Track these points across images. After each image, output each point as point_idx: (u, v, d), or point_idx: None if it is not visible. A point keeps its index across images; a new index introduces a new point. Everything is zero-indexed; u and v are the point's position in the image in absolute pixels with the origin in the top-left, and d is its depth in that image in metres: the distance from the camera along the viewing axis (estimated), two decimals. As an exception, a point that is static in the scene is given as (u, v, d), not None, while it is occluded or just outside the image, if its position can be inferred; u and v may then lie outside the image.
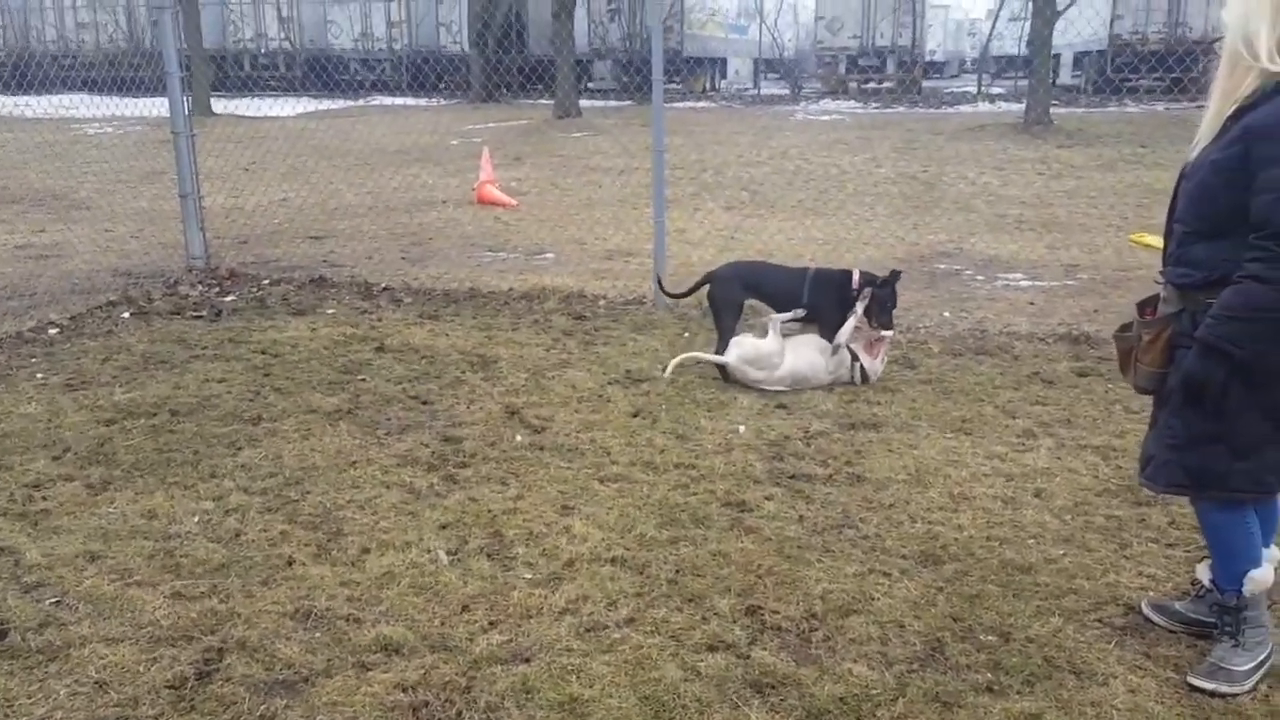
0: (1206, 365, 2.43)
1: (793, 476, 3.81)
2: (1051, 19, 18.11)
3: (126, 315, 6.24)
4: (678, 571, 3.08)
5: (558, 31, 22.71)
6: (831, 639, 2.71)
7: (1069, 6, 18.59)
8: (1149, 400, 2.78)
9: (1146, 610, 2.86)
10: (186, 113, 6.96)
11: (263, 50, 32.97)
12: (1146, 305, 2.73)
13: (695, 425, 4.39)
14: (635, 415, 4.52)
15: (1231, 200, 2.41)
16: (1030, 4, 18.19)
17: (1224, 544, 2.63)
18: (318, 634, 2.82)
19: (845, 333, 4.86)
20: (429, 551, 3.26)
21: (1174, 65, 22.87)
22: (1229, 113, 2.44)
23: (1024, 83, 29.99)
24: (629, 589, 2.99)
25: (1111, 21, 24.93)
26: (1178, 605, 2.84)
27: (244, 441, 4.22)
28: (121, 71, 27.62)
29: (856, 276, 4.95)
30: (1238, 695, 2.52)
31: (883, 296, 4.87)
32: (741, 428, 4.33)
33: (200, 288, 6.89)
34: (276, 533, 3.40)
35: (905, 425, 4.31)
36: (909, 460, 3.93)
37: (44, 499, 3.69)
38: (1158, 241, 2.85)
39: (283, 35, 32.95)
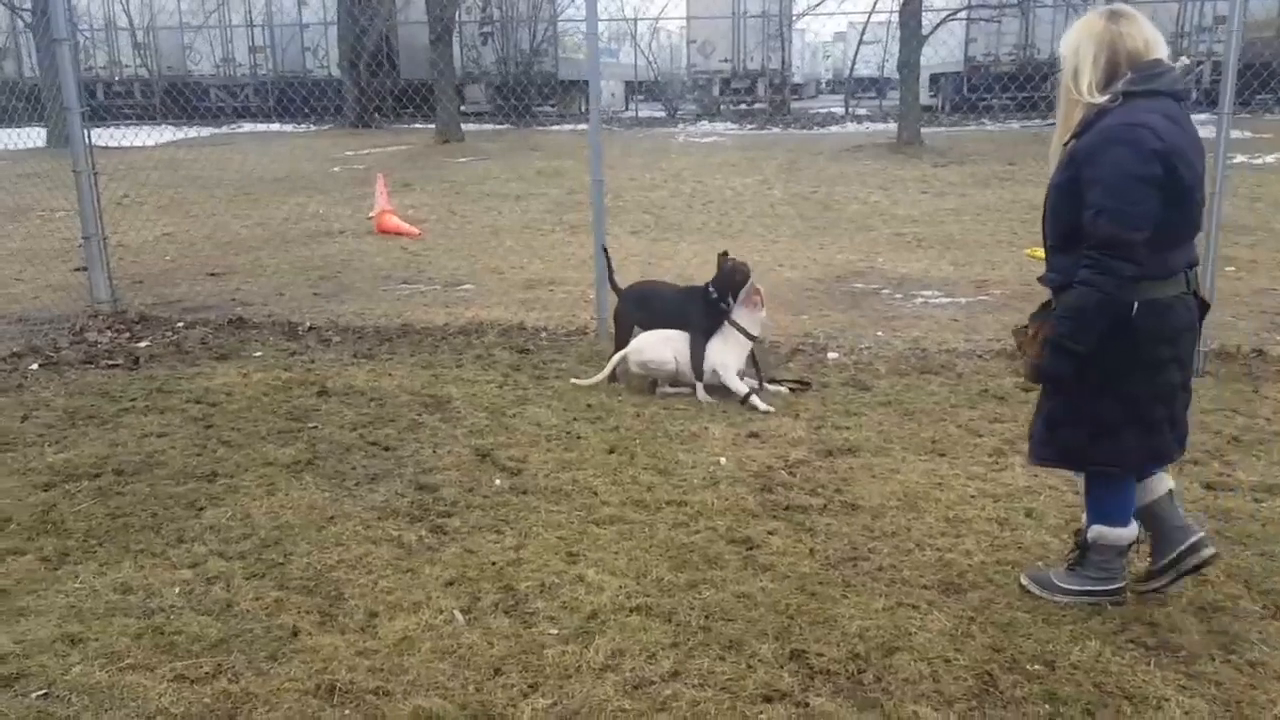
0: (1056, 360, 2.86)
1: (787, 508, 3.82)
2: (919, 44, 18.94)
3: (35, 367, 5.81)
4: (707, 617, 3.04)
5: (437, 55, 22.41)
6: (883, 679, 2.71)
7: (933, 31, 19.47)
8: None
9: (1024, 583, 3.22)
10: (88, 149, 6.53)
11: (117, 78, 31.41)
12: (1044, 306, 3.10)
13: (674, 459, 4.35)
14: (611, 452, 4.46)
15: (1073, 217, 2.81)
16: (899, 29, 18.90)
17: (1096, 504, 3.07)
18: (347, 711, 2.66)
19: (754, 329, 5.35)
20: (442, 611, 3.12)
21: (1025, 85, 24.29)
22: (1066, 140, 2.85)
23: (879, 103, 31.34)
24: (663, 639, 2.93)
25: (966, 44, 26.23)
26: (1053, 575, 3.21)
27: (205, 501, 3.97)
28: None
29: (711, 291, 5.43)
30: (1045, 600, 3.09)
31: (725, 271, 5.42)
32: (722, 459, 4.32)
33: (109, 334, 6.47)
34: (271, 600, 3.20)
35: (880, 449, 4.39)
36: (895, 485, 3.99)
37: (-4, 578, 3.38)
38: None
39: (138, 62, 31.48)
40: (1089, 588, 3.07)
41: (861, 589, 3.18)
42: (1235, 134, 18.24)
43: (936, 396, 5.08)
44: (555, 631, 3.00)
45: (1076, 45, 2.82)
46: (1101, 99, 2.77)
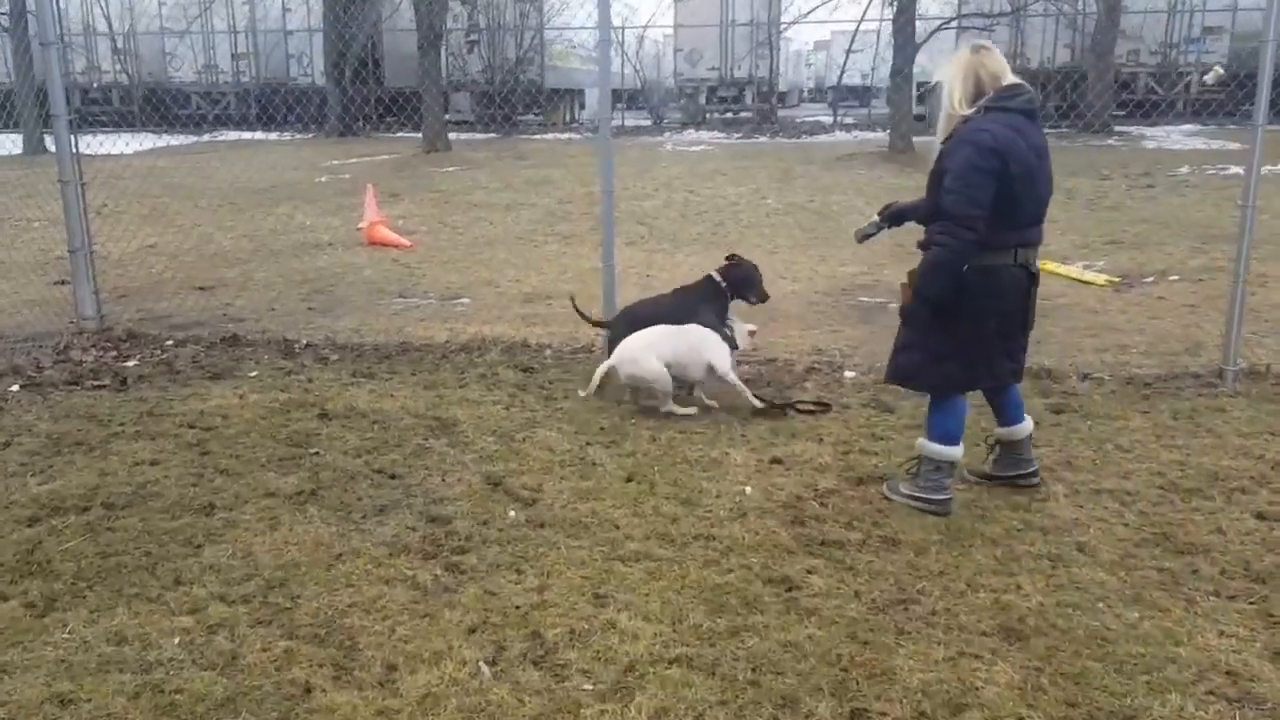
0: (915, 303, 3.77)
1: (823, 543, 3.61)
2: (911, 52, 18.85)
3: (16, 388, 5.54)
4: (754, 669, 2.82)
5: (425, 64, 22.17)
6: (953, 738, 2.51)
7: (927, 39, 19.40)
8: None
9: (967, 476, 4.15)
10: (75, 157, 6.26)
11: (95, 84, 30.96)
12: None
13: (697, 488, 4.14)
14: (630, 480, 4.24)
15: (939, 199, 3.66)
16: (892, 37, 18.82)
17: (934, 419, 3.90)
18: (371, 780, 2.43)
19: (741, 341, 5.40)
20: (466, 663, 2.89)
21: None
22: (943, 142, 3.70)
23: (868, 112, 31.30)
24: (709, 696, 2.71)
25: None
26: (985, 466, 4.17)
27: (202, 537, 3.72)
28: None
29: (716, 277, 5.55)
30: (892, 501, 3.92)
31: (741, 275, 5.52)
32: (747, 488, 4.11)
33: (95, 352, 6.19)
34: (280, 652, 2.96)
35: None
36: (934, 518, 3.79)
37: (-23, 628, 3.12)
38: (1060, 268, 4.12)
39: (118, 68, 31.05)
40: (919, 494, 3.86)
41: (918, 636, 2.97)
42: (1233, 145, 18.26)
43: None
44: (590, 687, 2.78)
45: (949, 71, 3.68)
46: (968, 111, 3.62)
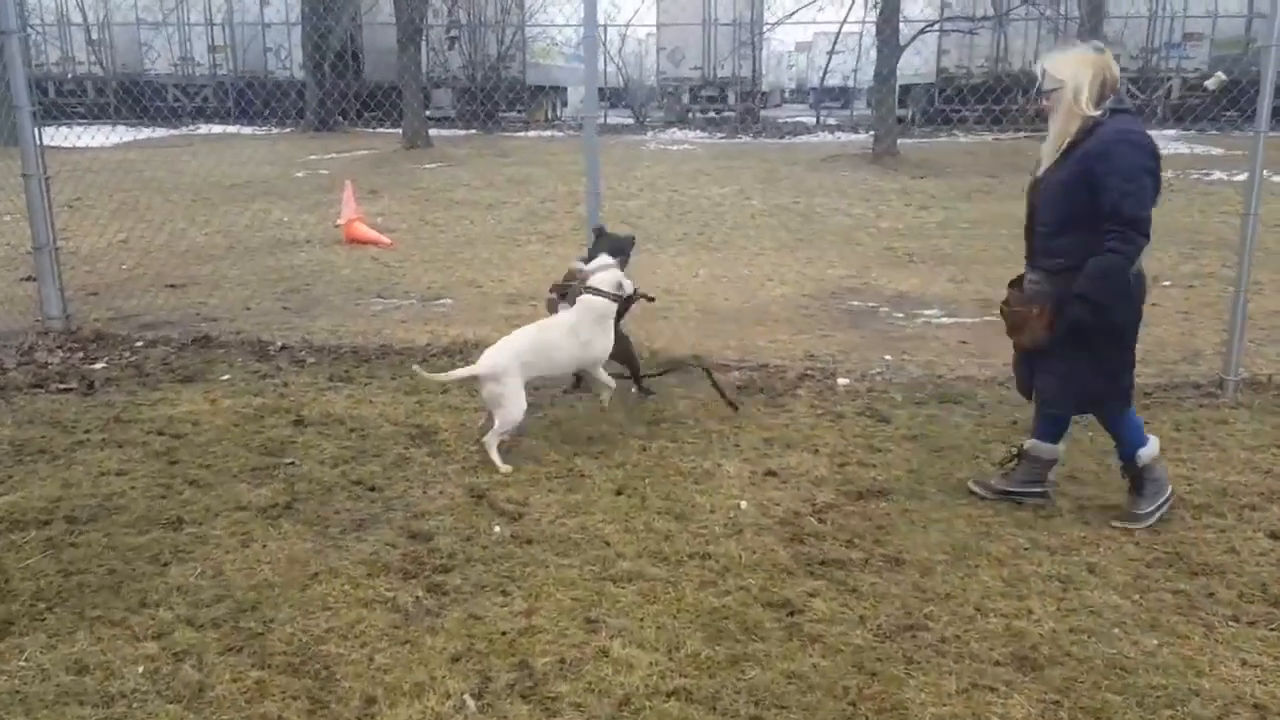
0: (1082, 313, 3.46)
1: (824, 563, 3.46)
2: (894, 53, 18.77)
3: (-24, 392, 5.31)
4: (757, 703, 2.66)
5: (405, 59, 21.88)
6: (971, 780, 2.36)
7: (911, 41, 19.33)
8: None
9: (973, 487, 4.01)
10: (39, 150, 6.02)
11: (69, 75, 30.43)
12: (1014, 284, 3.92)
13: (689, 502, 3.98)
14: (619, 493, 4.08)
15: (1078, 207, 3.48)
16: (876, 39, 18.73)
17: (1129, 435, 3.76)
18: (348, 827, 2.25)
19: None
20: (451, 696, 2.72)
21: (998, 97, 24.30)
22: (1064, 146, 3.52)
23: (850, 113, 31.28)
24: (710, 730, 2.55)
25: (939, 56, 26.20)
26: (993, 481, 4.00)
27: (170, 554, 3.52)
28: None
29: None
30: (1138, 529, 3.67)
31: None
32: (743, 503, 3.95)
33: (61, 354, 5.96)
34: (251, 683, 2.77)
35: (914, 492, 4.04)
36: (938, 535, 3.65)
37: (-74, 654, 2.92)
38: None
39: (92, 59, 30.53)
40: (1160, 502, 3.74)
41: (928, 666, 2.82)
42: (1216, 151, 18.30)
43: (963, 430, 4.75)
44: (583, 722, 2.61)
45: (1076, 70, 3.49)
46: (1095, 113, 3.48)
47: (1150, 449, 3.75)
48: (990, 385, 5.45)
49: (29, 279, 8.14)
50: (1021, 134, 23.32)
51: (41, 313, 6.38)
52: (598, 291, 4.76)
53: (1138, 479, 3.76)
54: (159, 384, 5.49)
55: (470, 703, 2.69)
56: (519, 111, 31.18)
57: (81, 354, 5.99)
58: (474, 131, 26.84)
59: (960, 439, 4.64)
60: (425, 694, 2.72)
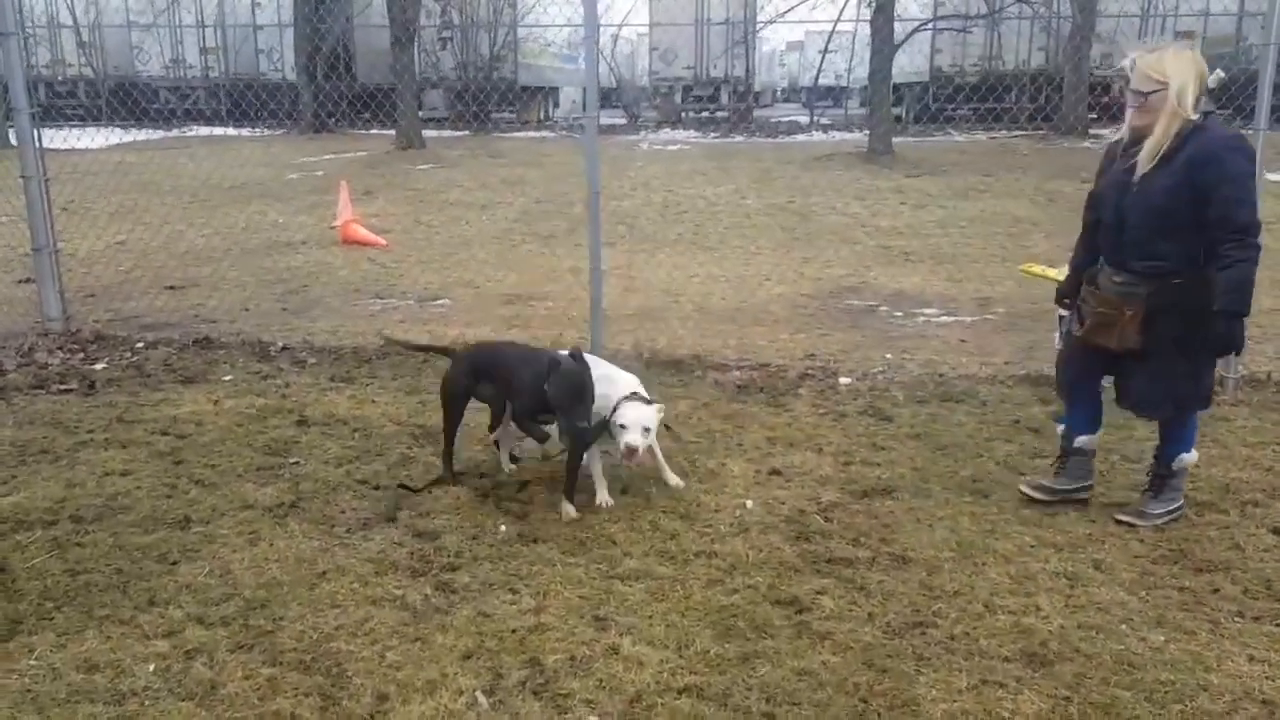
0: (1233, 326, 3.43)
1: (831, 561, 3.47)
2: (890, 53, 18.82)
3: (-24, 393, 5.29)
4: (768, 700, 2.67)
5: (397, 60, 21.86)
6: (983, 773, 2.38)
7: (906, 39, 19.38)
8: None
9: (1026, 490, 3.95)
10: (38, 152, 6.01)
11: (60, 77, 30.33)
12: (1066, 294, 3.94)
13: (694, 501, 3.99)
14: (624, 492, 4.08)
15: (1185, 212, 3.42)
16: (871, 37, 18.77)
17: (1184, 439, 3.77)
18: (365, 823, 2.26)
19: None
20: (463, 693, 2.72)
21: (989, 96, 24.37)
22: (1164, 149, 3.43)
23: (844, 112, 31.33)
24: (723, 727, 2.56)
25: (932, 55, 26.28)
26: (1051, 483, 3.95)
27: (178, 553, 3.52)
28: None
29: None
30: (1144, 526, 3.69)
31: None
32: (748, 502, 3.96)
33: (61, 354, 5.94)
34: (262, 680, 2.78)
35: (918, 490, 4.06)
36: (944, 533, 3.67)
37: (-65, 654, 2.91)
38: (1049, 271, 4.15)
39: (83, 61, 30.43)
40: (1175, 505, 3.77)
41: (937, 663, 2.83)
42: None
43: (966, 428, 4.77)
44: (595, 719, 2.62)
45: (1181, 71, 3.40)
46: (1195, 116, 3.43)
47: (1191, 457, 3.77)
48: (992, 383, 5.47)
49: (27, 281, 8.13)
50: (1015, 133, 23.51)
51: (41, 314, 6.36)
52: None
53: (1161, 480, 3.77)
54: (161, 385, 5.49)
55: (482, 699, 2.70)
56: (511, 112, 31.19)
57: (82, 355, 5.97)
58: (467, 132, 26.84)
59: (963, 437, 4.66)
60: (437, 691, 2.72)
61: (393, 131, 22.24)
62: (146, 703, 2.67)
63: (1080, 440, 3.92)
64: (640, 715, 2.62)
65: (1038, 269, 8.64)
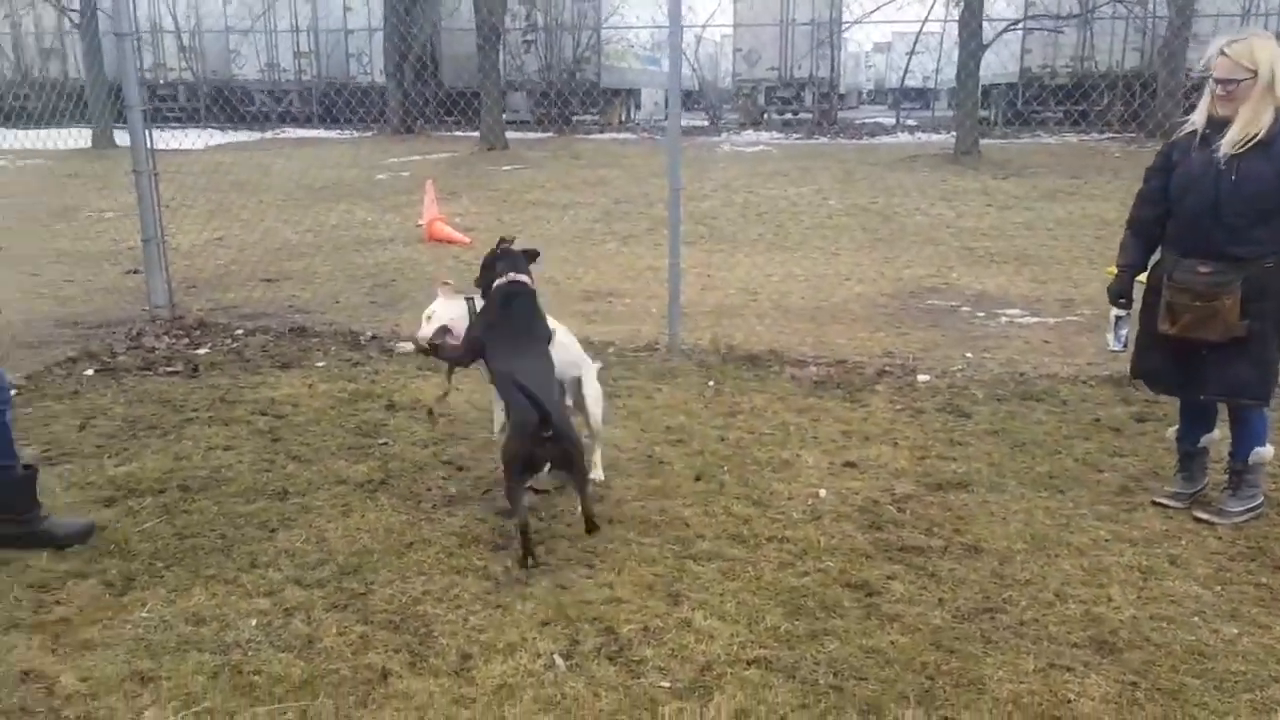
0: None
1: (902, 549, 3.52)
2: (977, 52, 18.54)
3: (90, 372, 5.63)
4: (836, 674, 2.75)
5: (483, 63, 22.28)
6: (1048, 751, 2.41)
7: (995, 40, 19.08)
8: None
9: (1163, 501, 3.87)
10: (149, 149, 6.36)
11: (162, 80, 31.59)
12: (1122, 294, 3.94)
13: (768, 489, 4.07)
14: (698, 479, 4.18)
15: (1277, 199, 3.48)
16: (958, 38, 18.53)
17: (1259, 433, 3.76)
18: (449, 770, 2.40)
19: None
20: (541, 655, 2.86)
21: (1080, 98, 23.79)
22: (1259, 136, 3.44)
23: (931, 113, 30.90)
24: (790, 699, 2.64)
25: (1022, 56, 25.75)
26: (1180, 489, 3.92)
27: (277, 521, 3.73)
28: (8, 103, 26.12)
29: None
30: (1224, 524, 3.67)
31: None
32: (821, 491, 4.03)
33: (168, 339, 6.28)
34: (356, 636, 2.95)
35: (994, 485, 4.07)
36: (1018, 526, 3.68)
37: (58, 604, 3.15)
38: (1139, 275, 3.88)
39: (184, 65, 31.66)
40: (1256, 501, 3.77)
41: (1005, 646, 2.87)
42: None
43: (1045, 426, 4.75)
44: (667, 684, 2.73)
45: (1272, 58, 3.43)
46: None
47: (1267, 452, 3.75)
48: (1074, 383, 5.42)
49: (134, 271, 8.57)
50: (1106, 136, 22.93)
51: (149, 302, 6.72)
52: None
53: (1239, 477, 3.77)
54: (259, 369, 5.76)
55: (560, 662, 2.82)
56: (593, 114, 31.50)
57: (186, 340, 6.30)
58: (549, 134, 27.21)
59: (1042, 434, 4.64)
60: (517, 652, 2.86)
61: (476, 133, 22.66)
62: (250, 653, 2.86)
63: (1205, 439, 3.92)
64: (710, 683, 2.72)
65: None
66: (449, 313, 3.98)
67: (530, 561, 3.38)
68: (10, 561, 3.41)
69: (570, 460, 3.44)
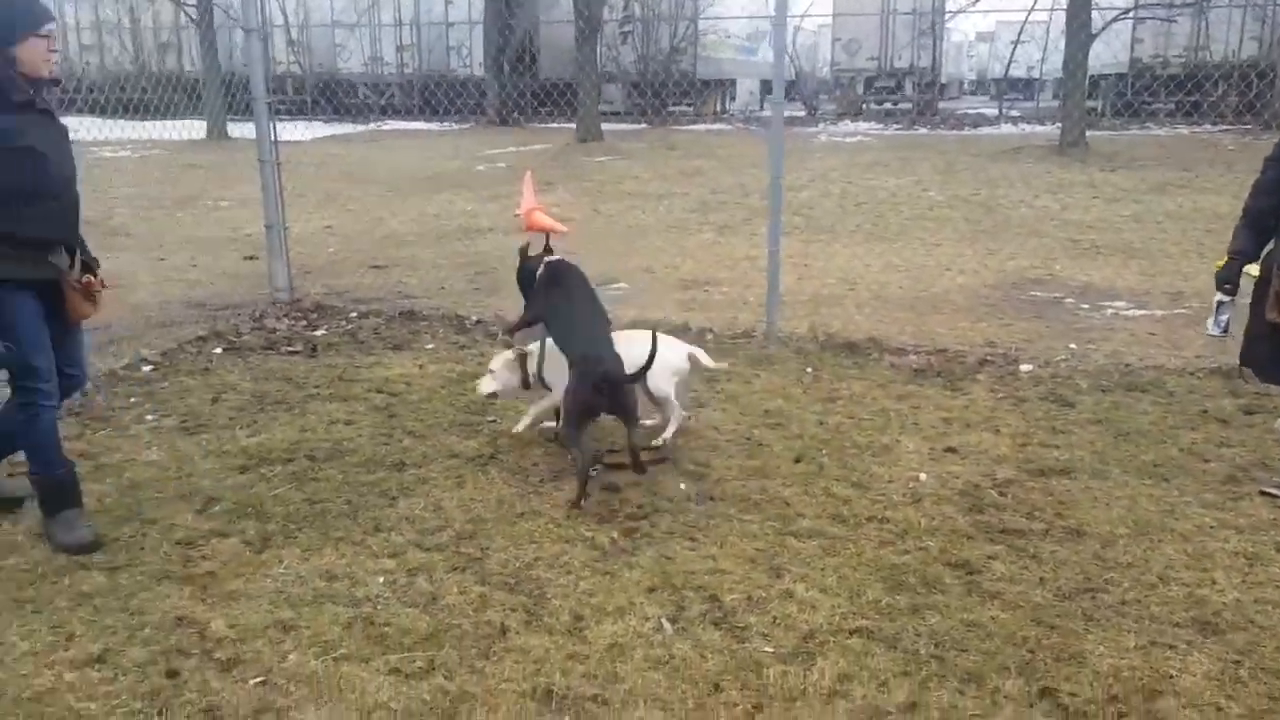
0: None
1: (1003, 531, 3.56)
2: (1085, 43, 18.03)
3: (219, 351, 5.98)
4: (937, 645, 2.82)
5: (581, 55, 22.54)
6: (1149, 726, 2.46)
7: (1104, 29, 18.53)
8: None
9: (1271, 490, 3.81)
10: (273, 140, 6.70)
11: (271, 74, 32.73)
12: (1228, 280, 3.94)
13: (867, 472, 4.13)
14: (798, 461, 4.27)
15: None
16: (1066, 27, 18.05)
17: None
18: (567, 718, 2.55)
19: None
20: (649, 619, 3.00)
21: (1193, 89, 22.90)
22: None
23: (1035, 104, 30.09)
24: (892, 666, 2.73)
25: (1132, 45, 24.92)
26: None
27: (396, 490, 3.96)
28: (128, 95, 27.46)
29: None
30: None
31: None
32: (922, 475, 4.08)
33: (287, 321, 6.62)
34: (475, 595, 3.14)
35: (1097, 471, 4.06)
36: (1120, 511, 3.68)
37: (204, 559, 3.42)
38: (1250, 268, 3.89)
39: (291, 59, 32.76)
40: None
41: (1107, 624, 2.90)
42: None
43: (1150, 416, 4.70)
44: (771, 649, 2.84)
45: None
46: None
47: None
48: (1180, 374, 5.33)
49: (251, 258, 9.01)
50: (1220, 127, 22.05)
51: (270, 285, 7.08)
52: None
53: None
54: (372, 350, 6.04)
55: (667, 625, 2.96)
56: (688, 105, 31.54)
57: (304, 322, 6.63)
58: (643, 125, 27.36)
59: (1147, 424, 4.60)
60: (626, 615, 3.01)
61: (572, 125, 22.95)
62: (379, 607, 3.07)
63: None
64: (813, 650, 2.82)
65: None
66: (504, 374, 4.46)
67: (583, 502, 3.79)
68: (158, 520, 3.70)
69: (625, 408, 3.93)
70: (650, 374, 4.05)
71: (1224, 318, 3.96)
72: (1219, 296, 4.01)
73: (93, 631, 2.95)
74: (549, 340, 4.28)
